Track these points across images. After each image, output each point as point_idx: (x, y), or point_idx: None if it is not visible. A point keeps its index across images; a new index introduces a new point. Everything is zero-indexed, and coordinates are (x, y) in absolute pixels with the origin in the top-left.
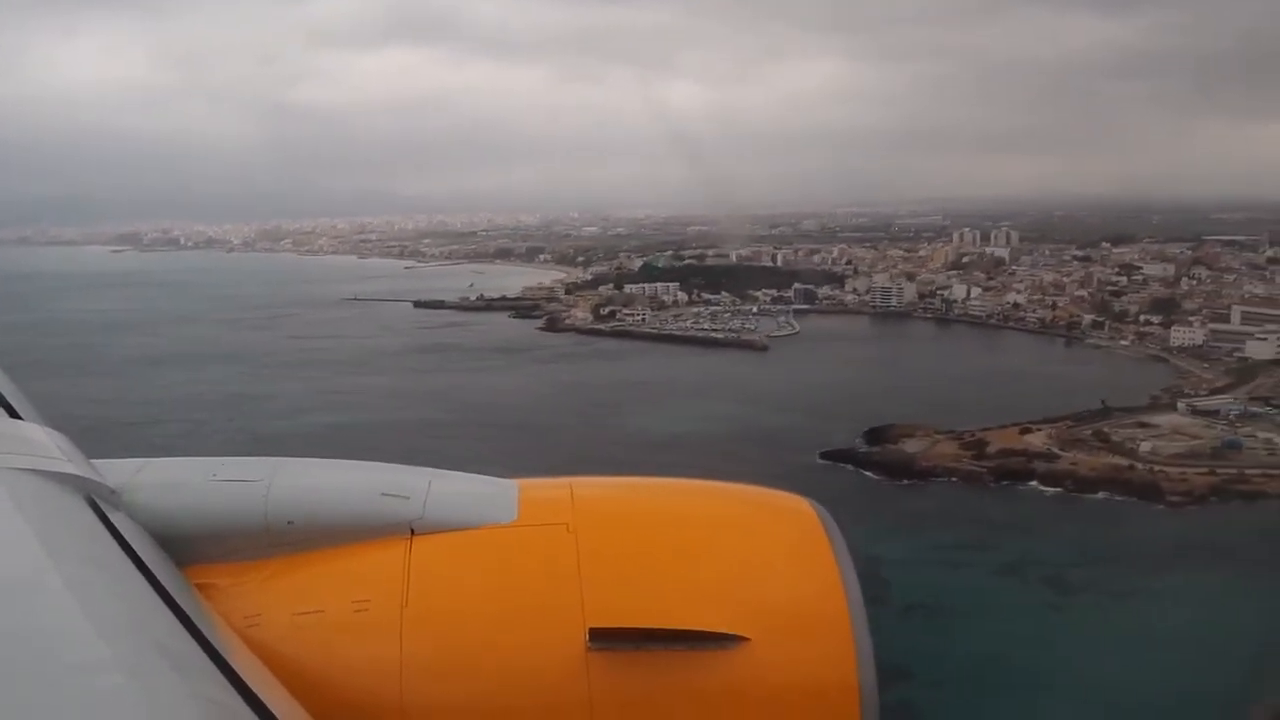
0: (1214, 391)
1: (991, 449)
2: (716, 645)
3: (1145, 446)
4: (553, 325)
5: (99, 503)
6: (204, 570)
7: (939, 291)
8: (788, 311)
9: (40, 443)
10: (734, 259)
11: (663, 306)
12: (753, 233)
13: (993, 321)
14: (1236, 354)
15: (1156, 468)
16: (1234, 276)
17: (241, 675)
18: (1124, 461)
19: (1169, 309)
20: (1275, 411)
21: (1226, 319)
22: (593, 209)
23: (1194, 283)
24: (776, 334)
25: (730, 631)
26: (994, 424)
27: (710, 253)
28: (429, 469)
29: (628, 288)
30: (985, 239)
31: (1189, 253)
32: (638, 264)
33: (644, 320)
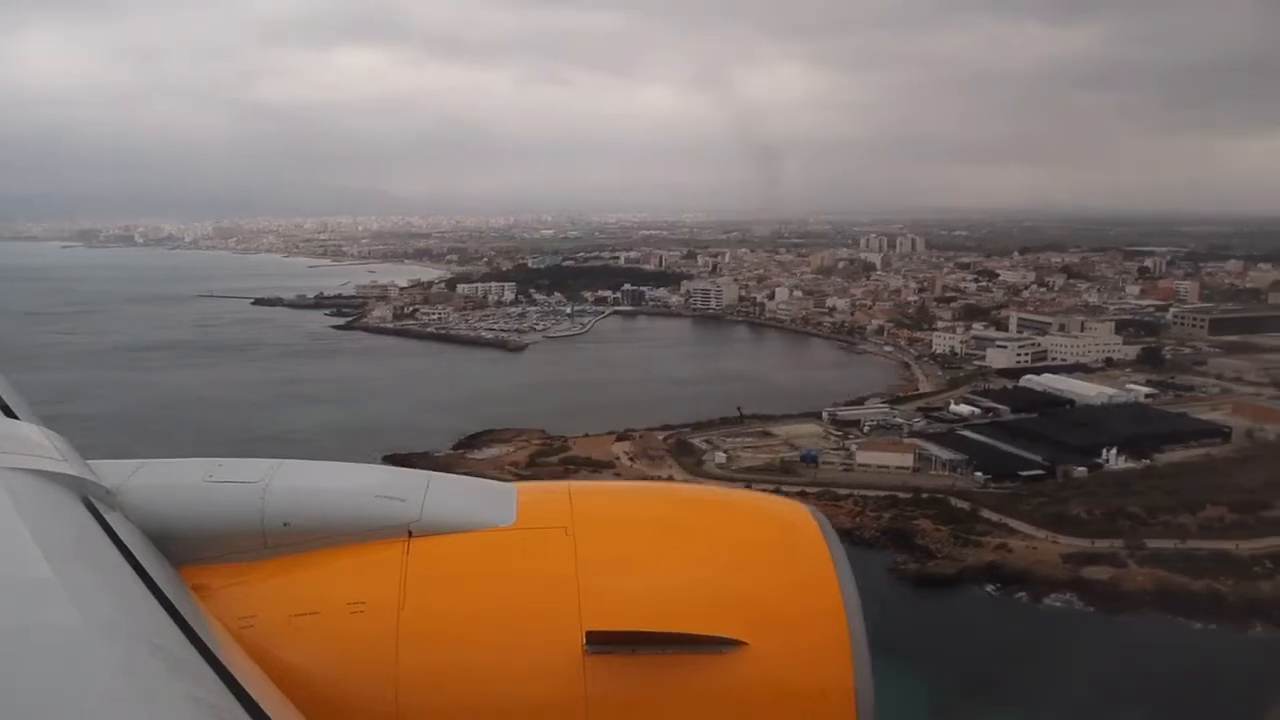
0: (898, 400)
1: (559, 457)
2: (713, 649)
3: (719, 458)
4: (351, 323)
5: (95, 503)
6: (200, 571)
7: (754, 296)
8: (596, 313)
9: (37, 443)
10: (623, 261)
11: (480, 306)
12: (694, 237)
13: (793, 326)
14: (977, 362)
15: (710, 481)
16: (1087, 287)
17: (236, 677)
18: (680, 473)
19: (975, 315)
20: (926, 424)
21: (1005, 326)
22: (570, 213)
23: (1043, 290)
24: (559, 334)
25: (727, 635)
26: (652, 427)
27: (607, 255)
28: (427, 472)
29: (462, 287)
30: (892, 245)
31: (1071, 261)
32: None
33: (439, 319)
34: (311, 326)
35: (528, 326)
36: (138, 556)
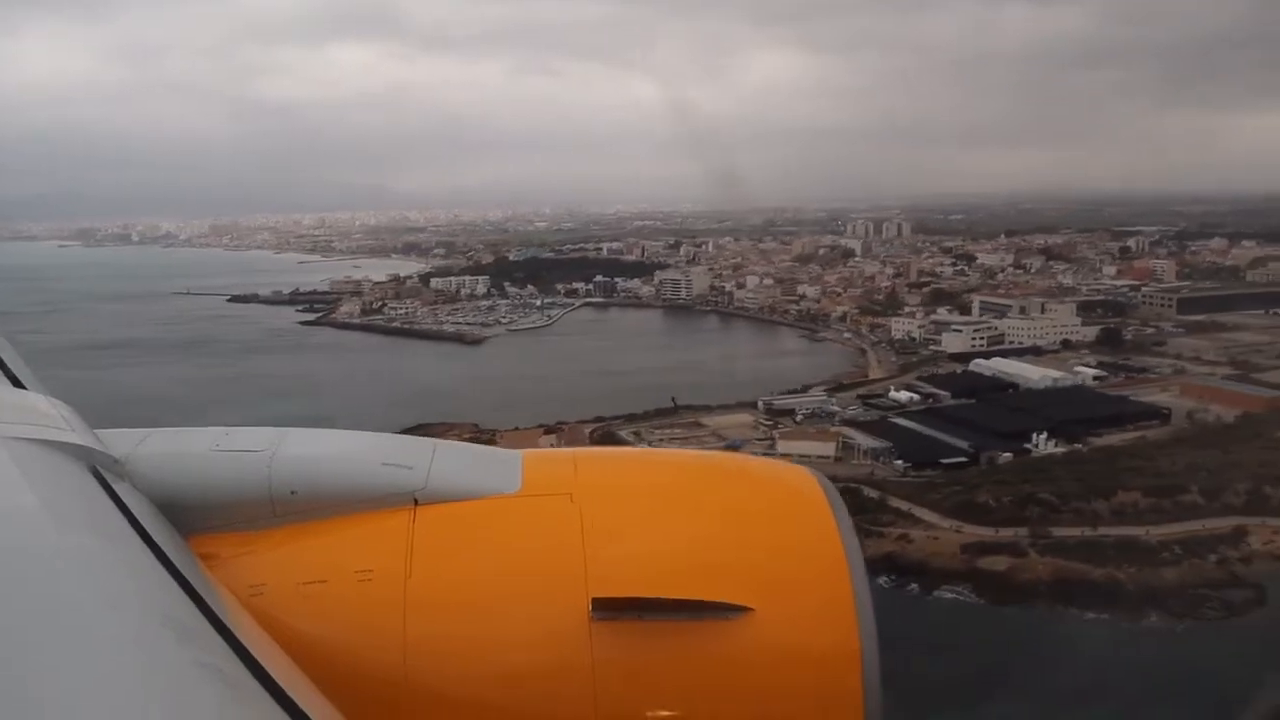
0: (842, 387)
1: None
2: (719, 615)
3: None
4: (320, 319)
5: (103, 473)
6: (208, 540)
7: (723, 285)
8: (567, 305)
9: (44, 413)
10: (605, 253)
11: (452, 300)
12: (686, 228)
13: (760, 314)
14: (934, 347)
15: None
16: (1065, 268)
17: (245, 644)
18: None
19: (944, 300)
20: (863, 411)
21: (968, 310)
22: (569, 205)
23: (1019, 272)
24: (523, 327)
25: (733, 601)
26: (584, 419)
27: (591, 247)
28: (433, 439)
29: (436, 281)
30: (878, 230)
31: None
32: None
33: (405, 314)
34: (279, 323)
35: (494, 320)
36: (146, 526)
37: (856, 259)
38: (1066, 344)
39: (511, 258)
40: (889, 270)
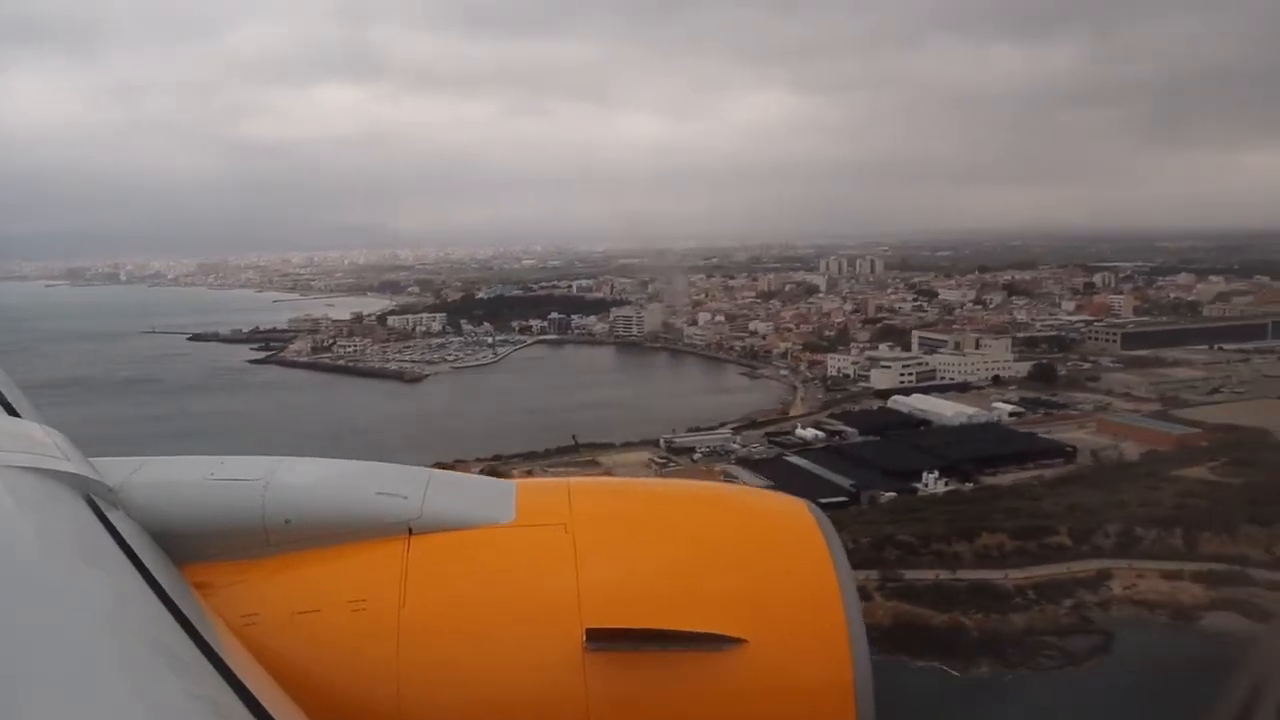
0: (756, 424)
1: None
2: (713, 646)
3: None
4: (269, 357)
5: (97, 501)
6: (201, 569)
7: (673, 322)
8: (519, 343)
9: (39, 440)
10: (575, 290)
11: (406, 338)
12: (676, 264)
13: (707, 351)
14: (862, 383)
15: None
16: (1025, 303)
17: (238, 674)
18: None
19: (893, 336)
20: (766, 449)
21: (909, 346)
22: (560, 242)
23: (977, 308)
24: (467, 364)
25: (726, 633)
26: (482, 457)
27: (562, 285)
28: (427, 469)
29: (393, 319)
30: (852, 267)
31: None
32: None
33: (354, 352)
34: (231, 361)
35: (440, 358)
36: (140, 554)
37: (820, 295)
38: (997, 380)
39: (480, 295)
40: (847, 306)
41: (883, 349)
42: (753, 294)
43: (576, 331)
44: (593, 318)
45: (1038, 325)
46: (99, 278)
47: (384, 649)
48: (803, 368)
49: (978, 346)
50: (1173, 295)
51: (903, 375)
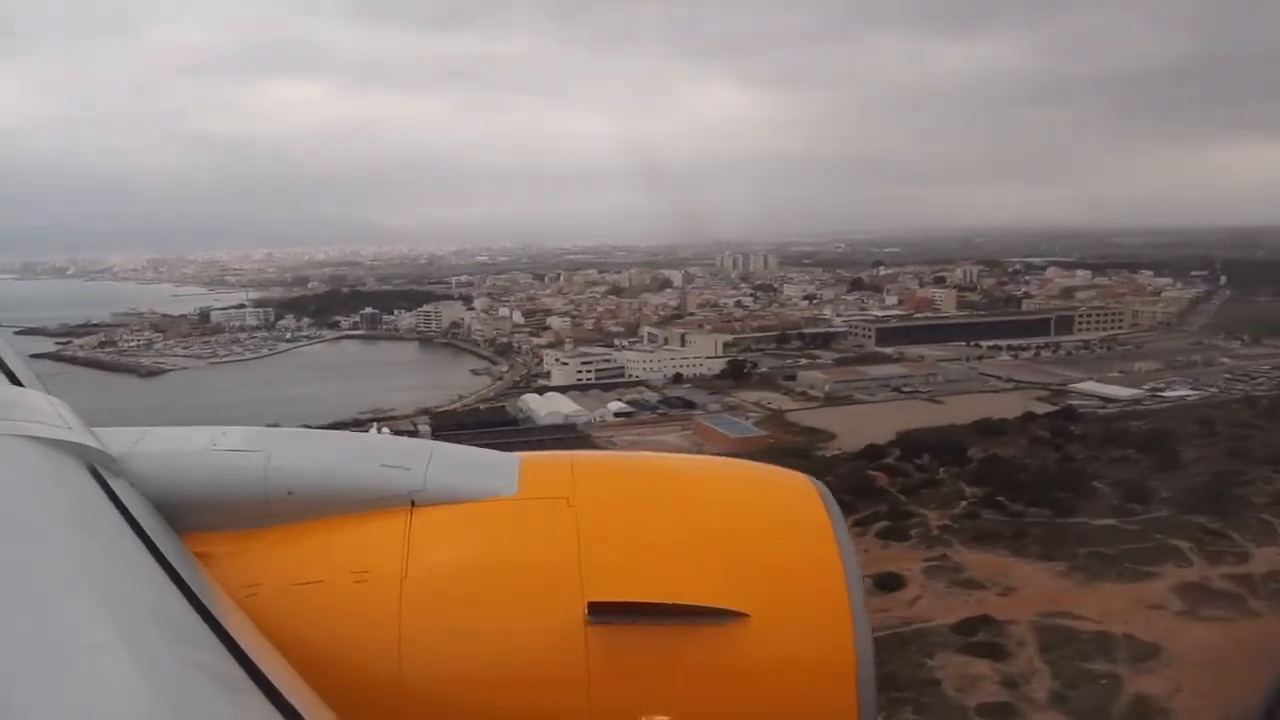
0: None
1: None
2: (715, 620)
3: None
4: (56, 353)
5: (100, 470)
6: (204, 539)
7: (462, 319)
8: (318, 338)
9: (42, 409)
10: (453, 287)
11: (215, 332)
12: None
13: (472, 346)
14: (541, 381)
15: None
16: (856, 298)
17: (240, 644)
18: None
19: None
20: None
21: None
22: (534, 240)
23: (806, 302)
24: (230, 359)
25: (729, 607)
26: None
27: (435, 282)
28: (430, 441)
29: (215, 314)
30: (746, 263)
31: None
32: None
33: (138, 347)
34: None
35: (213, 352)
36: (142, 524)
37: (671, 290)
38: (679, 378)
39: (345, 291)
40: (673, 303)
41: (626, 344)
42: (602, 290)
43: (385, 328)
44: (406, 314)
45: (836, 320)
46: (49, 272)
47: (386, 620)
48: (529, 362)
49: (683, 343)
50: (1021, 291)
51: (580, 372)
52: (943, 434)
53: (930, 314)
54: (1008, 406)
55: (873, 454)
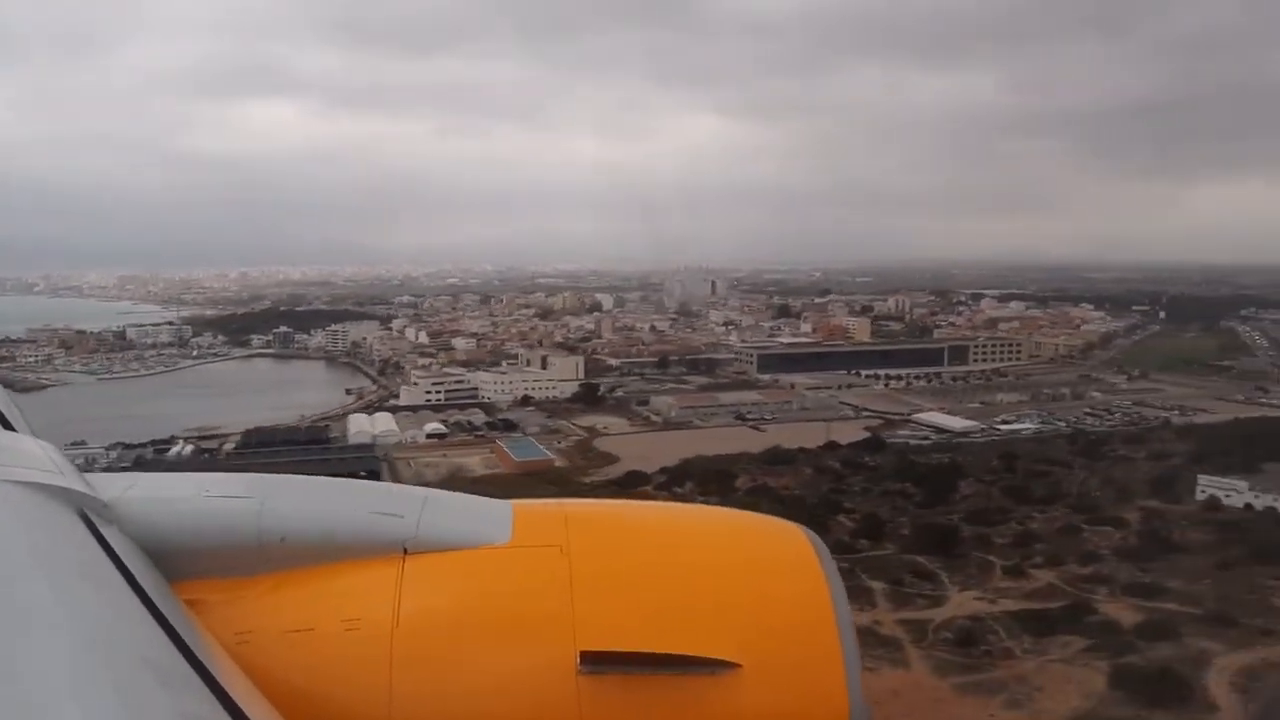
0: (201, 438)
1: None
2: (707, 670)
3: None
4: None
5: (90, 516)
6: (195, 586)
7: (364, 338)
8: (226, 355)
9: (33, 455)
10: (394, 307)
11: (127, 348)
12: (574, 286)
13: (366, 366)
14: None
15: None
16: (774, 326)
17: (230, 692)
18: None
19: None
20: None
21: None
22: (510, 264)
23: (725, 327)
24: (124, 375)
25: (721, 657)
26: None
27: (377, 302)
28: (423, 489)
29: (131, 331)
30: (690, 289)
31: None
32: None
33: (35, 362)
34: None
35: (107, 369)
36: (133, 571)
37: (599, 314)
38: (527, 400)
39: (283, 310)
40: (589, 326)
41: (505, 365)
42: (530, 313)
43: (296, 346)
44: (320, 334)
45: (736, 346)
46: (18, 288)
47: (377, 669)
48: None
49: (544, 365)
50: (948, 321)
51: (430, 393)
52: (728, 462)
53: (834, 342)
54: (823, 436)
55: (634, 481)
